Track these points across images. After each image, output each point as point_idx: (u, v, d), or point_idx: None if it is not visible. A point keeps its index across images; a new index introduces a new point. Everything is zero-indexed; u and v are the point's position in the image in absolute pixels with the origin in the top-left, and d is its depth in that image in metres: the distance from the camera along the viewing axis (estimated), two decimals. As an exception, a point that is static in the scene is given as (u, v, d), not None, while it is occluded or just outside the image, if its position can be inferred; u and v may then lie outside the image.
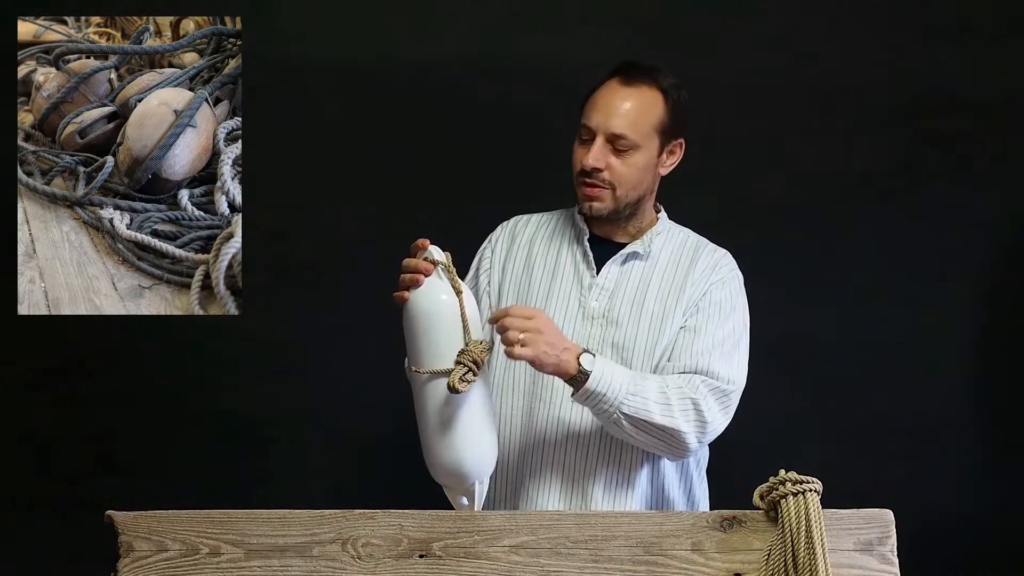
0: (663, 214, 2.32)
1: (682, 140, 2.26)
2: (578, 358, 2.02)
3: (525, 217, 2.38)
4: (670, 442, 2.09)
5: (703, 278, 2.22)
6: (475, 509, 1.96)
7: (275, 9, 3.06)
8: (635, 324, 2.18)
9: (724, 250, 2.29)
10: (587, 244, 2.26)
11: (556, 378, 2.14)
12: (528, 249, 2.31)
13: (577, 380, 2.02)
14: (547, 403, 2.19)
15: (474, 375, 1.91)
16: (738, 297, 2.24)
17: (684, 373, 2.13)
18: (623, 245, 2.26)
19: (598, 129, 2.17)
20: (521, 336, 1.97)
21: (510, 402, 2.21)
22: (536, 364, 2.00)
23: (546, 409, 2.18)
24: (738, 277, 2.26)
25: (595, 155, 2.16)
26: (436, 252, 1.97)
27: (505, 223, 2.38)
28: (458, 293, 1.94)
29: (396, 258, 1.99)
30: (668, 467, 2.21)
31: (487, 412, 2.00)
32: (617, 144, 2.17)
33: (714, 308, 2.19)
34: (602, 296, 2.22)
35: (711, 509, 2.26)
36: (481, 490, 1.97)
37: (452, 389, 1.88)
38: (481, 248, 2.37)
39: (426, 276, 1.95)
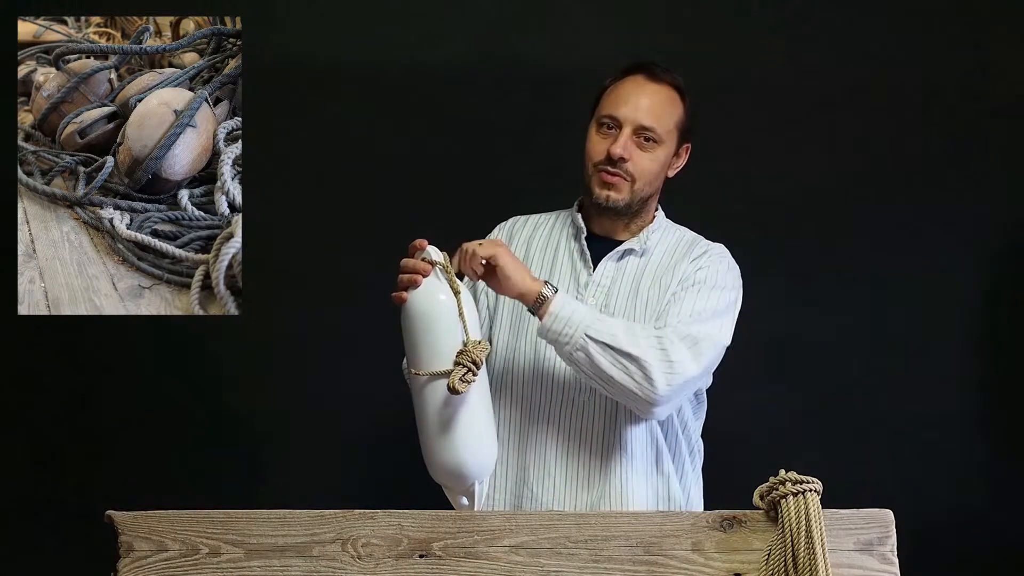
0: (660, 212, 2.32)
1: (689, 145, 2.29)
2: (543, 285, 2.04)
3: (523, 218, 2.39)
4: (638, 378, 2.03)
5: (695, 262, 2.23)
6: (475, 509, 1.96)
7: (275, 9, 3.06)
8: (631, 315, 2.19)
9: (720, 244, 2.30)
10: (584, 242, 2.26)
11: (555, 374, 2.15)
12: (525, 249, 2.31)
13: (540, 304, 2.03)
14: (547, 398, 2.19)
15: (473, 375, 1.91)
16: (726, 276, 2.22)
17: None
18: (620, 243, 2.26)
19: (625, 120, 2.19)
20: (476, 247, 2.02)
21: (510, 398, 2.21)
22: (500, 267, 2.01)
23: (547, 404, 2.19)
24: (731, 264, 2.26)
25: (623, 144, 2.17)
26: (434, 252, 1.97)
27: (502, 223, 2.39)
28: (456, 293, 1.94)
29: (395, 258, 1.99)
30: (667, 462, 2.21)
31: (487, 412, 2.00)
32: (644, 136, 2.19)
33: (699, 284, 2.18)
34: (599, 293, 2.22)
35: (706, 506, 2.27)
36: (481, 490, 1.97)
37: (452, 390, 1.88)
38: (479, 248, 2.37)
39: (424, 276, 1.95)
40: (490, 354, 2.13)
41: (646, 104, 2.20)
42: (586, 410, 2.17)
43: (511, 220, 2.39)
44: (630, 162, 2.19)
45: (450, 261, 1.98)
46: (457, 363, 1.90)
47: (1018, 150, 2.99)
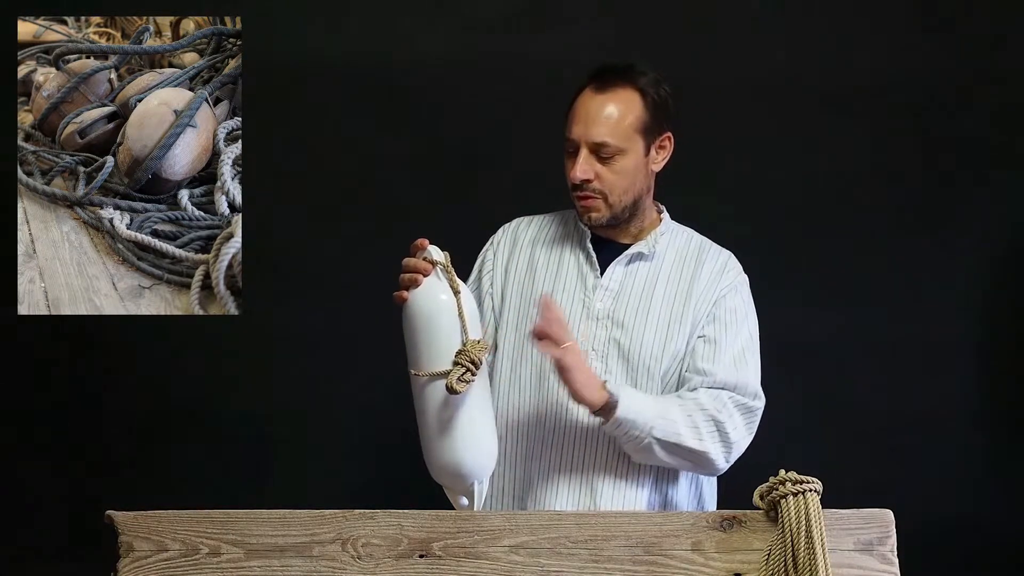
0: (666, 214, 2.31)
1: (669, 134, 2.24)
2: (603, 386, 2.06)
3: (527, 219, 2.38)
4: (699, 463, 2.13)
5: (712, 283, 2.21)
6: (475, 509, 1.96)
7: (275, 9, 3.06)
8: (641, 327, 2.18)
9: (728, 252, 2.28)
10: (590, 246, 2.25)
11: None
12: (531, 251, 2.30)
13: (606, 410, 2.06)
14: (554, 402, 2.18)
15: (472, 375, 1.91)
16: (749, 302, 2.25)
17: (712, 388, 2.14)
18: (626, 246, 2.25)
19: (580, 141, 2.17)
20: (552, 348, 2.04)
21: (516, 402, 2.20)
22: (567, 373, 2.04)
23: (553, 408, 2.18)
24: (745, 280, 2.26)
25: (582, 168, 2.16)
26: (435, 252, 1.97)
27: (506, 225, 2.37)
28: (456, 293, 1.94)
29: (396, 258, 1.99)
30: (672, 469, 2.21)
31: (487, 412, 1.99)
32: (601, 152, 2.16)
33: (730, 316, 2.20)
34: (607, 297, 2.21)
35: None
36: (481, 490, 1.97)
37: (450, 390, 1.88)
38: (483, 251, 2.36)
39: (425, 276, 1.95)
40: (494, 355, 2.14)
41: (596, 119, 2.16)
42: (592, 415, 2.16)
43: (515, 222, 2.38)
44: (595, 180, 2.17)
45: (451, 262, 1.97)
46: (456, 363, 1.90)
47: (1019, 150, 2.98)
